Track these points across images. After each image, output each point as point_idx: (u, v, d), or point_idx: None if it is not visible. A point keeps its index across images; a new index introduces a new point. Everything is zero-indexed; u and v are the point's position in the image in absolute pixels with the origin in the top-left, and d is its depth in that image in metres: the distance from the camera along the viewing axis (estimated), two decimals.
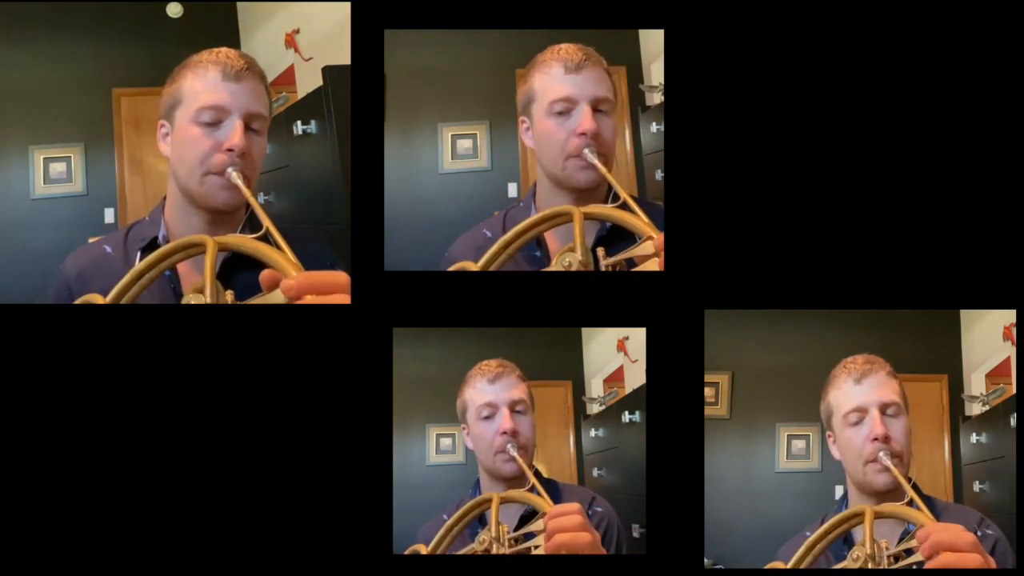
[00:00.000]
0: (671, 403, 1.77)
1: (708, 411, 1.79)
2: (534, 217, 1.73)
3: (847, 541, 1.77)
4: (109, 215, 2.14)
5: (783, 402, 1.96)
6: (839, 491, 1.97)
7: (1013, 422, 1.82)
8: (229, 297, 1.56)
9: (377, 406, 1.75)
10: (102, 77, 2.15)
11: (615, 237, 1.75)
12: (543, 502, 1.77)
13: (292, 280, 1.48)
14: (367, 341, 1.75)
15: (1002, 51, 1.76)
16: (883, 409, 1.80)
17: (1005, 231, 1.76)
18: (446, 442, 1.97)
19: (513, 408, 1.87)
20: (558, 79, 1.75)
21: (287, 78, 2.19)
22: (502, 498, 1.80)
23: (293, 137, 2.07)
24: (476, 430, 1.88)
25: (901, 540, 1.74)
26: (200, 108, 1.66)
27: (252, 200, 1.63)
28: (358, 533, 1.75)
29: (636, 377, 1.96)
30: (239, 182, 1.64)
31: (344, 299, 1.51)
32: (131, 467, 1.74)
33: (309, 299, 1.48)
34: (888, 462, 1.77)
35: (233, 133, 1.65)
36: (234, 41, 2.19)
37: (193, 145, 1.66)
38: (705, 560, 1.77)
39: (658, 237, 1.66)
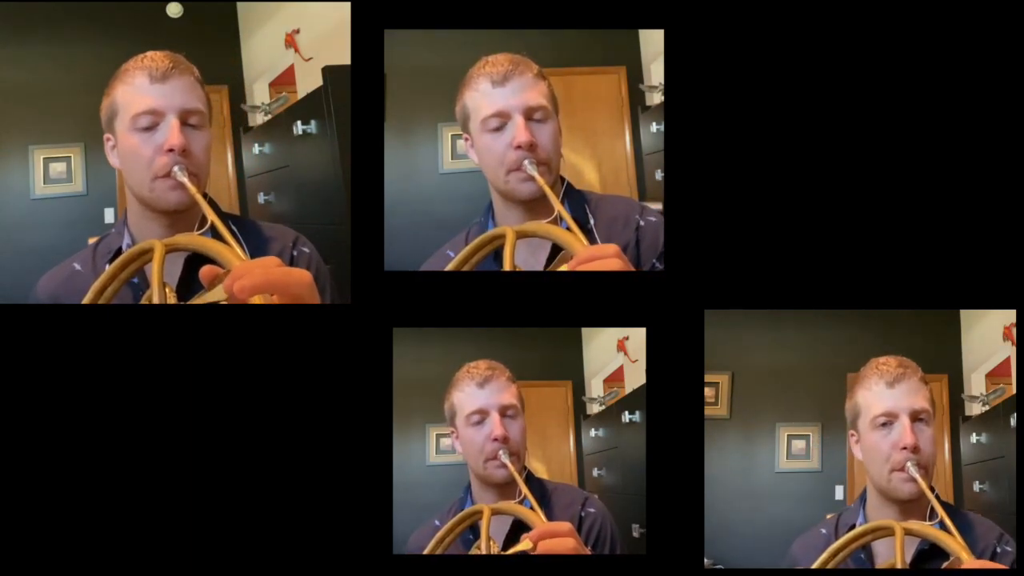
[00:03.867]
0: (671, 403, 1.77)
1: (708, 411, 1.79)
2: (475, 242, 1.73)
3: (864, 550, 1.77)
4: (109, 215, 2.14)
5: (783, 402, 1.96)
6: (839, 491, 1.97)
7: (1013, 422, 1.82)
8: (172, 298, 1.57)
9: (377, 406, 1.75)
10: (102, 77, 2.15)
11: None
12: (536, 518, 1.76)
13: (228, 279, 1.47)
14: (367, 341, 1.75)
15: (1002, 51, 1.76)
16: (914, 416, 1.77)
17: (1005, 231, 1.76)
18: (446, 442, 1.97)
19: (504, 413, 1.85)
20: (486, 94, 1.74)
21: (287, 78, 2.19)
22: (493, 510, 1.79)
23: (293, 137, 2.07)
24: (466, 435, 1.87)
25: (919, 554, 1.74)
26: (134, 115, 1.67)
27: (197, 196, 1.64)
28: (358, 533, 1.75)
29: (636, 377, 1.96)
30: (184, 179, 1.65)
31: (281, 283, 1.48)
32: (131, 466, 1.74)
33: (256, 298, 1.46)
34: (916, 473, 1.74)
35: (170, 133, 1.66)
36: (234, 41, 2.19)
37: (136, 153, 1.67)
38: (705, 560, 1.77)
39: (581, 251, 1.62)
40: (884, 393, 1.79)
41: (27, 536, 1.73)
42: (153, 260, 1.54)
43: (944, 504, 1.79)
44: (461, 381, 1.88)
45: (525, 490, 1.80)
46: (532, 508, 1.77)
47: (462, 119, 1.78)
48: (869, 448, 1.79)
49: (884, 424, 1.78)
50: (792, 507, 1.96)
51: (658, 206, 1.80)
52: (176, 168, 1.65)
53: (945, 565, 1.69)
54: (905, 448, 1.75)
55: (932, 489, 1.77)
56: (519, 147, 1.71)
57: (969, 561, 1.63)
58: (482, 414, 1.86)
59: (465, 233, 1.84)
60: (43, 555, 1.73)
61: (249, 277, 1.46)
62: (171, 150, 1.65)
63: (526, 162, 1.71)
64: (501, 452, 1.83)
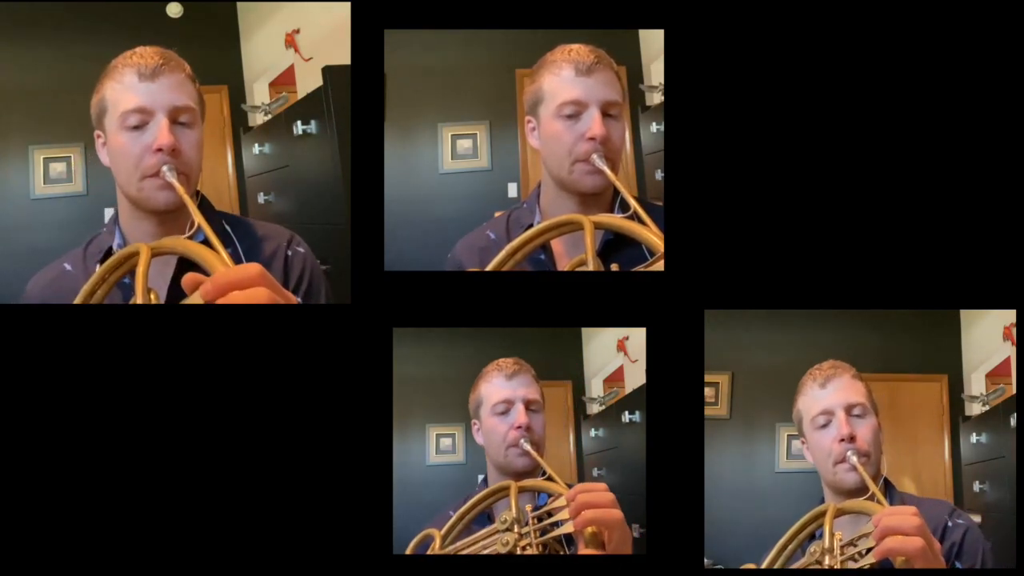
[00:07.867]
0: (671, 403, 1.77)
1: (708, 411, 1.79)
2: (542, 225, 1.72)
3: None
4: (109, 215, 2.14)
5: (783, 402, 1.96)
6: None
7: (1013, 422, 1.82)
8: (154, 298, 1.52)
9: (377, 406, 1.75)
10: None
11: (619, 243, 1.75)
12: (559, 487, 1.77)
13: (207, 283, 1.40)
14: (367, 341, 1.75)
15: (1002, 51, 1.76)
16: (849, 410, 1.82)
17: (1005, 231, 1.76)
18: (446, 442, 1.97)
19: (528, 406, 1.87)
20: (568, 81, 1.72)
21: (287, 78, 2.19)
22: (520, 487, 1.80)
23: (293, 137, 2.08)
24: (489, 424, 1.88)
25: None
26: (123, 113, 1.64)
27: (186, 198, 1.60)
28: (358, 533, 1.75)
29: (636, 377, 1.96)
30: (173, 180, 1.62)
31: (261, 293, 1.40)
32: (131, 466, 1.74)
33: (235, 296, 1.40)
34: (855, 461, 1.78)
35: (160, 132, 1.63)
36: (234, 41, 2.19)
37: (125, 151, 1.64)
38: (705, 560, 1.77)
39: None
40: (819, 394, 1.84)
41: (23, 536, 1.73)
42: (139, 264, 1.50)
43: (898, 492, 1.83)
44: (489, 374, 1.89)
45: (550, 471, 1.80)
46: (553, 480, 1.78)
47: (532, 101, 1.76)
48: (814, 448, 1.84)
49: (824, 424, 1.82)
50: (792, 507, 1.96)
51: None
52: (165, 168, 1.62)
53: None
54: (843, 440, 1.80)
55: (881, 477, 1.81)
56: (592, 139, 1.70)
57: (883, 510, 1.66)
58: (507, 404, 1.87)
59: (506, 216, 1.83)
60: (39, 556, 1.73)
61: (229, 287, 1.38)
62: (160, 150, 1.62)
63: (595, 155, 1.70)
64: (523, 440, 1.84)
